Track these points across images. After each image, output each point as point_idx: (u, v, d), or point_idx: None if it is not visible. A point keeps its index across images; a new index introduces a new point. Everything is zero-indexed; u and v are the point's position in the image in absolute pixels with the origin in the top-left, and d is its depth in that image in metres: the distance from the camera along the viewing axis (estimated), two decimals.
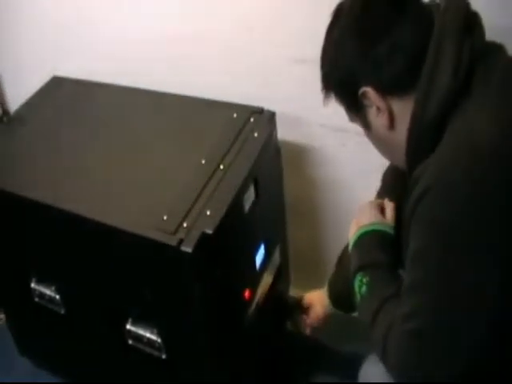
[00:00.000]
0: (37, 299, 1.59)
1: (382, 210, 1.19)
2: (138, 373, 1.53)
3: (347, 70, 0.98)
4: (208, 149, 1.34)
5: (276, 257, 1.54)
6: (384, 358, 0.96)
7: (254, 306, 1.43)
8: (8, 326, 1.81)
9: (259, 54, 1.50)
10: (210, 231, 1.17)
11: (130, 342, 1.44)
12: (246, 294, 1.38)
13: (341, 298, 1.41)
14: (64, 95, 1.65)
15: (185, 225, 1.19)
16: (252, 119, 1.41)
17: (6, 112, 2.03)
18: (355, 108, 1.02)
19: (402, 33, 0.93)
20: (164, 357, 1.40)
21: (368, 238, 1.14)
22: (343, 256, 1.39)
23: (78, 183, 1.36)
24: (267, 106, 1.43)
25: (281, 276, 1.58)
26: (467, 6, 0.96)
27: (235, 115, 1.42)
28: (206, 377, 1.39)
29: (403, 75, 0.94)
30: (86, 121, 1.55)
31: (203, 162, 1.32)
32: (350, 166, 1.56)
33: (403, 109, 0.95)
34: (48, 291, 1.54)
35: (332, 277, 1.46)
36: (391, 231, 1.14)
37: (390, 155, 1.09)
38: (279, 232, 1.58)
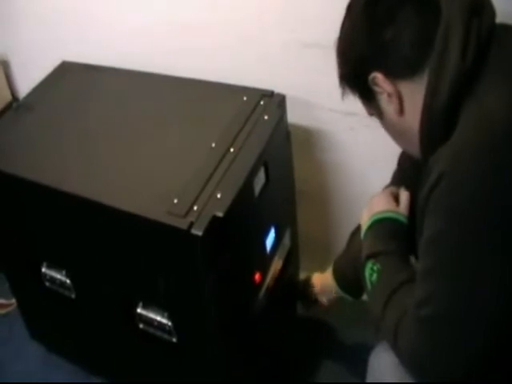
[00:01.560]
0: (47, 284, 1.60)
1: (397, 199, 1.19)
2: (148, 356, 1.54)
3: (357, 57, 0.99)
4: (218, 132, 1.34)
5: (286, 240, 1.54)
6: (396, 346, 0.96)
7: (264, 289, 1.44)
8: (19, 310, 1.82)
9: (269, 38, 1.49)
10: (220, 214, 1.18)
11: (141, 325, 1.45)
12: (257, 277, 1.38)
13: (348, 281, 1.41)
14: (73, 80, 1.65)
15: (195, 208, 1.19)
16: (262, 102, 1.40)
17: (15, 98, 2.04)
18: (368, 97, 1.02)
19: (408, 15, 0.92)
20: (174, 340, 1.41)
21: (381, 225, 1.14)
22: (352, 239, 1.39)
23: (87, 168, 1.36)
24: (277, 89, 1.43)
25: (291, 260, 1.59)
26: None
27: (245, 98, 1.41)
28: (216, 360, 1.39)
29: (411, 57, 0.93)
30: (96, 106, 1.54)
31: (213, 145, 1.31)
32: (359, 149, 1.55)
33: (413, 92, 0.94)
34: (59, 275, 1.55)
35: (338, 259, 1.46)
36: (405, 220, 1.14)
37: (405, 144, 1.08)
38: (289, 216, 1.58)
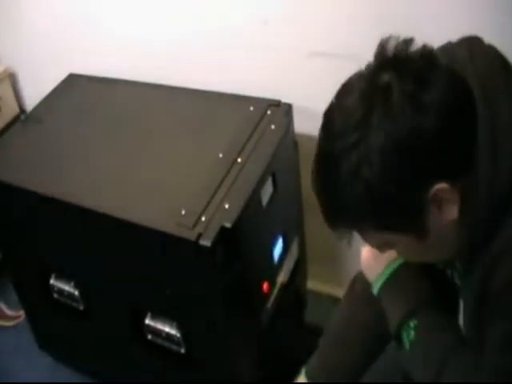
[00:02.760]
0: (56, 295, 1.61)
1: None
2: (157, 367, 1.54)
3: (415, 174, 0.77)
4: (225, 142, 1.35)
5: (294, 250, 1.54)
6: None
7: (272, 298, 1.43)
8: (28, 321, 1.83)
9: (275, 47, 1.50)
10: (228, 225, 1.18)
11: (149, 336, 1.45)
12: (265, 286, 1.38)
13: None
14: (80, 92, 1.66)
15: (203, 219, 1.19)
16: (269, 112, 1.41)
17: (23, 110, 2.05)
18: (415, 223, 0.81)
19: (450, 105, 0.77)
20: (183, 351, 1.41)
21: (399, 274, 1.02)
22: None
23: (95, 180, 1.37)
24: (283, 99, 1.43)
25: (298, 269, 1.58)
26: (490, 47, 0.85)
27: (252, 108, 1.42)
28: (224, 370, 1.39)
29: (468, 148, 0.78)
30: (103, 117, 1.55)
31: (221, 155, 1.32)
32: None
33: (470, 189, 0.79)
34: (67, 287, 1.56)
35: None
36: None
37: (440, 252, 0.90)
38: (297, 225, 1.58)
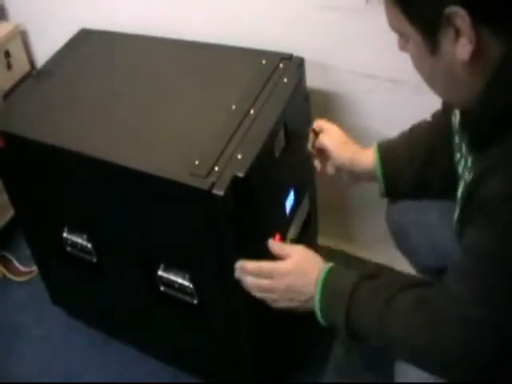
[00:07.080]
0: (69, 249, 1.62)
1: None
2: (169, 319, 1.56)
3: None
4: (238, 94, 1.35)
5: (305, 203, 1.55)
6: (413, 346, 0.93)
7: None
8: (40, 276, 1.84)
9: (288, 0, 1.49)
10: (241, 174, 1.19)
11: (162, 288, 1.47)
12: (276, 238, 1.38)
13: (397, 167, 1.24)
14: (92, 47, 1.65)
15: (216, 168, 1.20)
16: (281, 65, 1.41)
17: (33, 67, 2.04)
18: (427, 29, 0.83)
19: None
20: (195, 302, 1.43)
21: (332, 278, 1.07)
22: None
23: (108, 131, 1.37)
24: (295, 52, 1.43)
25: (309, 223, 1.59)
26: None
27: (264, 61, 1.42)
28: (237, 321, 1.41)
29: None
30: (115, 71, 1.55)
31: (233, 107, 1.32)
32: (378, 113, 1.55)
33: (492, 46, 0.80)
34: (80, 240, 1.57)
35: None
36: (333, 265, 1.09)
37: (446, 87, 0.91)
38: (308, 179, 1.59)
